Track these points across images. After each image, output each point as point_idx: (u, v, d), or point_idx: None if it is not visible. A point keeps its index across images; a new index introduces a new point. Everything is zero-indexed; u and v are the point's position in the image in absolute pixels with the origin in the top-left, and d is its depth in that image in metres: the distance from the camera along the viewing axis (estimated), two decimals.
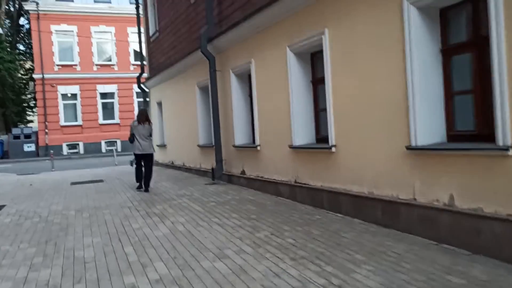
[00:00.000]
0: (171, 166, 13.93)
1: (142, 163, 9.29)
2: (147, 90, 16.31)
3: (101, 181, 11.51)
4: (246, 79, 8.96)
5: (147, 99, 16.54)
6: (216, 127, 9.59)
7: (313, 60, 6.87)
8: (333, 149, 5.96)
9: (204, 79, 10.54)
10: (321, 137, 6.73)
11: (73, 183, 11.24)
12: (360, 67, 5.36)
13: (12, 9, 33.48)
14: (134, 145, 9.16)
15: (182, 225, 5.79)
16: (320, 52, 6.27)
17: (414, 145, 4.62)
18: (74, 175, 14.01)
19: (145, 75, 16.05)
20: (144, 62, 16.11)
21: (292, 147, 6.91)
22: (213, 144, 9.89)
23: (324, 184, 6.23)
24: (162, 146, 14.77)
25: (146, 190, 9.04)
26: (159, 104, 15.06)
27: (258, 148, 8.12)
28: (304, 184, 6.70)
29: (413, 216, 4.73)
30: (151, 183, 9.60)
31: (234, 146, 9.08)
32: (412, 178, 4.71)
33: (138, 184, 9.40)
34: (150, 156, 9.27)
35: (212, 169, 9.76)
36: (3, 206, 8.06)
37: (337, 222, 5.53)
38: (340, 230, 5.12)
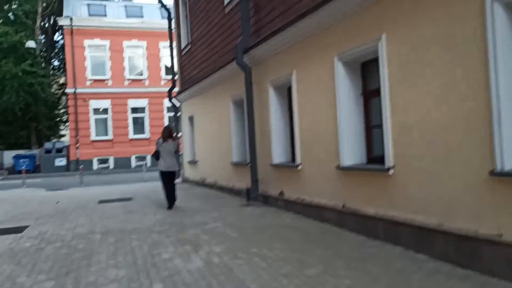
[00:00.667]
0: (202, 184, 13.33)
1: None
2: (178, 104, 15.88)
3: (129, 199, 10.99)
4: (285, 92, 8.30)
5: (178, 114, 16.11)
6: (251, 144, 8.93)
7: (364, 71, 6.13)
8: (391, 171, 5.17)
9: (239, 92, 9.94)
10: (374, 157, 5.95)
11: (100, 201, 10.76)
12: (428, 76, 4.59)
13: (47, 25, 34.11)
14: (159, 162, 9.09)
15: (218, 256, 5.09)
16: (374, 60, 5.53)
17: (500, 169, 3.81)
18: (102, 192, 13.59)
19: (176, 89, 15.64)
20: (176, 77, 15.72)
21: (339, 167, 6.15)
22: (248, 162, 9.23)
23: (378, 211, 5.44)
24: (193, 162, 14.22)
25: (170, 207, 8.94)
26: (191, 119, 14.56)
27: (299, 167, 7.39)
28: (354, 210, 5.91)
29: (498, 256, 3.90)
30: (181, 203, 9.03)
31: (272, 165, 8.38)
32: (497, 210, 3.88)
33: (168, 204, 9.10)
34: (174, 173, 9.28)
35: (247, 189, 9.08)
36: (26, 227, 7.57)
37: (398, 258, 4.72)
38: (404, 269, 4.31)
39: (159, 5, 30.11)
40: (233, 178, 10.73)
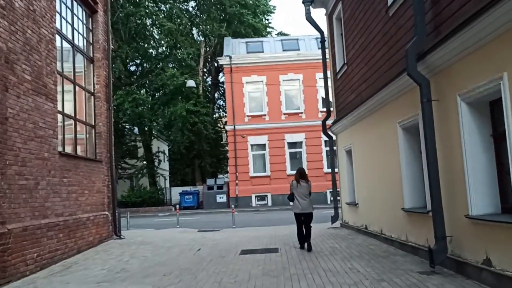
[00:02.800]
0: (364, 231, 10.86)
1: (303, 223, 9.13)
2: (334, 136, 13.85)
3: (275, 250, 9.17)
4: (486, 108, 5.61)
5: (334, 147, 14.04)
6: (434, 185, 6.31)
7: None
8: None
9: (410, 116, 7.49)
10: None
11: (243, 252, 9.16)
12: None
13: (211, 67, 35.89)
14: (294, 204, 9.16)
15: None
16: None
17: None
18: (250, 236, 12.11)
19: (331, 120, 13.67)
20: (331, 108, 13.79)
21: None
22: (429, 209, 6.63)
23: None
24: (353, 204, 11.87)
25: (309, 250, 8.78)
26: (348, 153, 12.34)
27: None
28: None
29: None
30: (338, 259, 6.81)
31: (469, 217, 5.65)
32: None
33: (300, 245, 9.20)
34: (310, 215, 9.16)
35: (430, 249, 6.40)
36: None
37: None
38: None
39: (316, 35, 29.73)
40: (405, 229, 8.11)
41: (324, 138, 27.14)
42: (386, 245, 8.99)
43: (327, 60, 13.78)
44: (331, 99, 14.01)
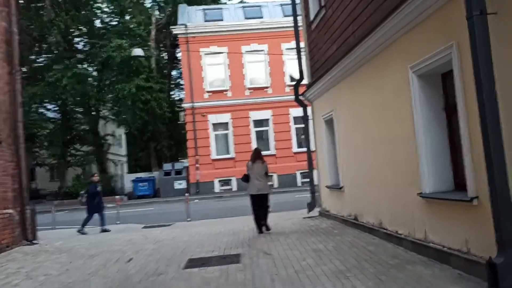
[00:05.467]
0: (353, 223, 8.31)
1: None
2: (309, 104, 11.20)
3: (236, 259, 6.46)
4: None
5: (309, 119, 11.37)
6: (496, 157, 3.71)
7: None
8: None
9: (434, 53, 4.86)
10: None
11: (189, 264, 6.39)
12: None
13: (166, 40, 32.34)
14: (249, 186, 8.86)
15: None
16: None
17: None
18: (206, 233, 9.39)
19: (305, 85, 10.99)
20: (303, 65, 11.08)
21: None
22: (473, 196, 4.13)
23: None
24: (336, 188, 9.29)
25: (267, 230, 8.75)
26: (329, 123, 9.72)
27: None
28: None
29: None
30: (328, 272, 4.21)
31: None
32: None
33: (258, 230, 8.78)
34: (266, 196, 8.90)
35: (491, 262, 3.79)
36: None
37: None
38: None
39: (280, 1, 26.86)
40: (423, 223, 5.55)
41: (294, 114, 24.96)
42: (391, 244, 6.43)
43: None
44: (304, 60, 11.27)
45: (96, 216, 11.70)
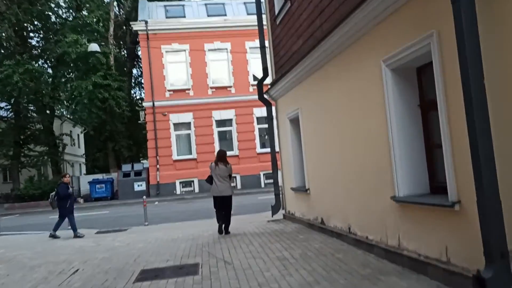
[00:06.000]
0: (320, 227, 7.88)
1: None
2: (273, 102, 10.72)
3: (194, 269, 5.87)
4: None
5: (273, 118, 10.90)
6: (484, 155, 3.30)
7: None
8: None
9: (410, 44, 4.47)
10: None
11: (141, 276, 5.75)
12: None
13: (126, 37, 31.16)
14: (212, 187, 8.81)
15: None
16: None
17: None
18: (164, 239, 8.75)
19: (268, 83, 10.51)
20: (268, 61, 10.60)
21: None
22: (455, 201, 3.77)
23: None
24: (302, 190, 8.85)
25: (227, 233, 8.71)
26: (294, 122, 9.27)
27: None
28: None
29: None
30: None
31: None
32: None
33: (219, 230, 8.77)
34: (228, 198, 8.83)
35: (479, 276, 3.37)
36: None
37: None
38: None
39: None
40: (396, 229, 5.15)
41: (257, 114, 24.54)
42: (361, 251, 6.01)
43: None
44: (268, 56, 10.78)
45: (56, 219, 10.82)
